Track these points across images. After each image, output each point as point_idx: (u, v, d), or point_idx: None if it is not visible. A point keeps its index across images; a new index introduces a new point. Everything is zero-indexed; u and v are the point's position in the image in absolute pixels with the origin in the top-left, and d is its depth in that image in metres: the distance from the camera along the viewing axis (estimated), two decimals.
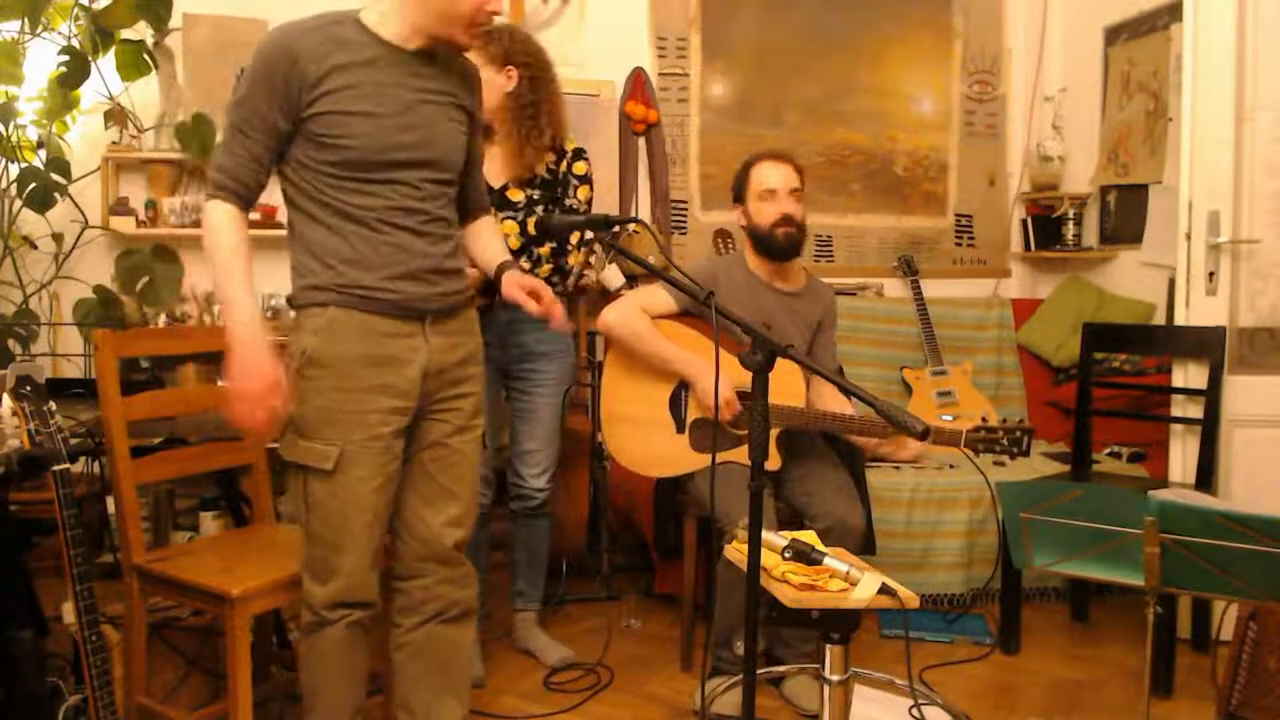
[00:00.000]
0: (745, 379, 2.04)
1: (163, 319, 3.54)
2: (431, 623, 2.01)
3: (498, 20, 2.34)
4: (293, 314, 1.92)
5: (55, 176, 3.30)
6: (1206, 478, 2.87)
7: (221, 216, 1.80)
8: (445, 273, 1.90)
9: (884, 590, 1.65)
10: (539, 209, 2.67)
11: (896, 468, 3.40)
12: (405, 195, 1.84)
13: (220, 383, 1.77)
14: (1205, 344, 2.95)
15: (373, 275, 1.82)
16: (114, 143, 3.56)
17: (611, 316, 2.69)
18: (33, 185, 3.26)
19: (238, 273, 1.79)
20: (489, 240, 2.12)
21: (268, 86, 1.76)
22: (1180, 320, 3.02)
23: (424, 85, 1.87)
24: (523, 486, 2.81)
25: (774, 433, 2.54)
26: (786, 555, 1.71)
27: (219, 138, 3.50)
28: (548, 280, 2.58)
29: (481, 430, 2.05)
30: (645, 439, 2.72)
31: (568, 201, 2.70)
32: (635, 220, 2.03)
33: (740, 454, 2.53)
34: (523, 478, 2.81)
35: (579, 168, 2.71)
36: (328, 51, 1.77)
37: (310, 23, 1.80)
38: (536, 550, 2.91)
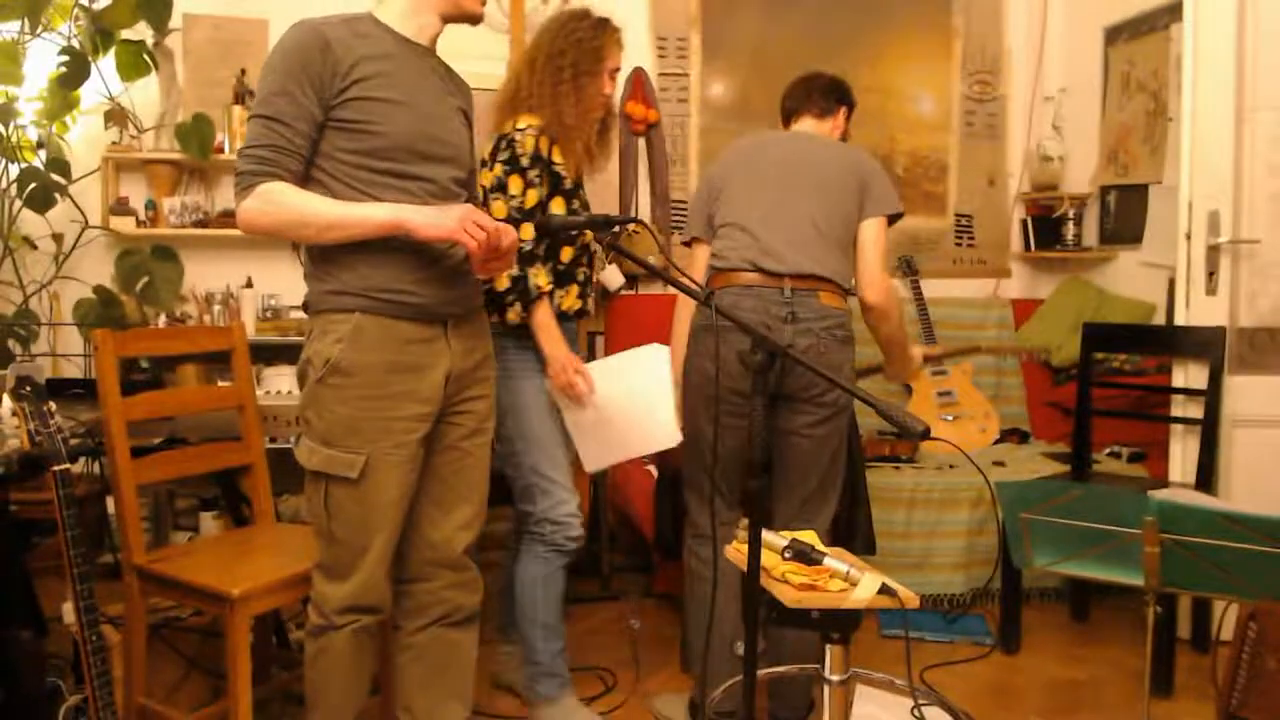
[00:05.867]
0: None
1: (163, 319, 3.55)
2: (436, 626, 2.01)
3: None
4: (302, 317, 1.89)
5: (55, 176, 3.30)
6: (1206, 478, 2.87)
7: (275, 185, 1.71)
8: (463, 275, 1.89)
9: (884, 590, 1.64)
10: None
11: (896, 468, 3.40)
12: (429, 193, 1.83)
13: (443, 235, 1.70)
14: (1205, 344, 2.95)
15: (396, 278, 1.80)
16: (114, 143, 3.56)
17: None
18: (33, 185, 3.26)
19: (332, 202, 1.74)
20: None
21: (302, 74, 1.71)
22: (1180, 320, 3.01)
23: (440, 84, 1.89)
24: (569, 528, 2.40)
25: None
26: (786, 555, 1.71)
27: (219, 137, 3.53)
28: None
29: (492, 434, 2.04)
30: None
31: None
32: (635, 220, 2.02)
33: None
34: (572, 511, 2.41)
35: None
36: (354, 43, 1.77)
37: (330, 18, 1.80)
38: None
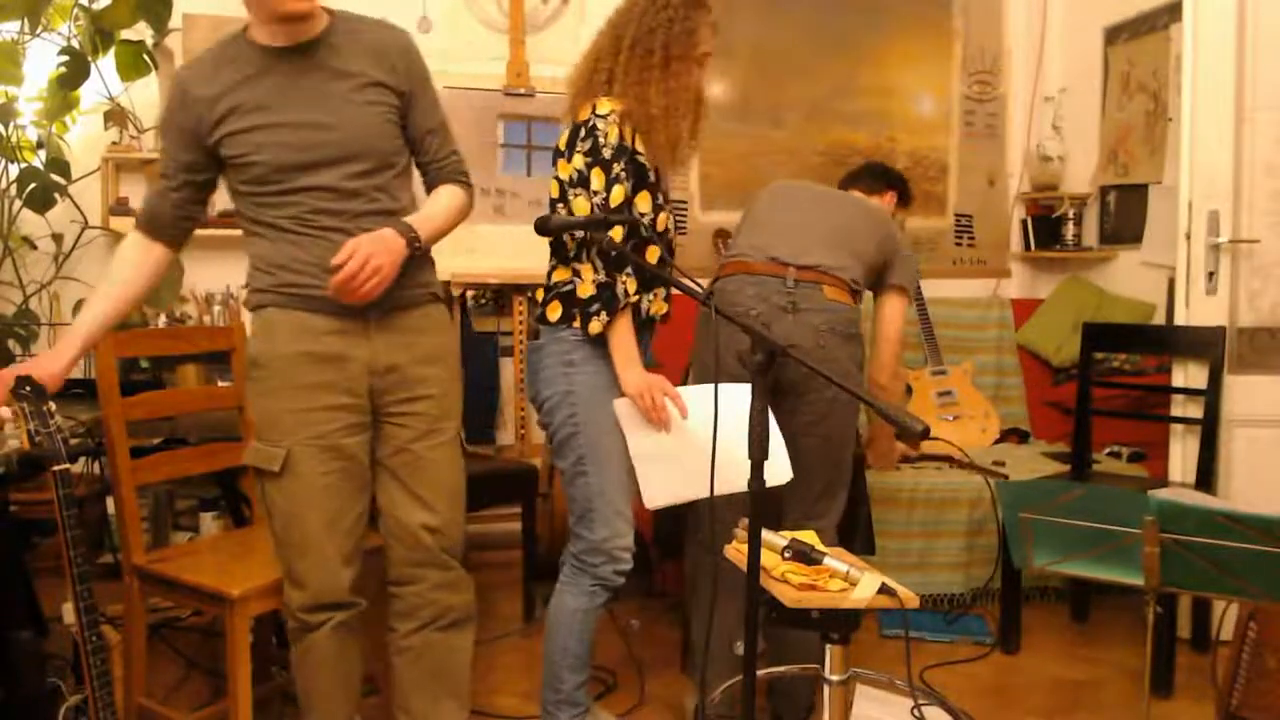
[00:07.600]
0: None
1: (163, 319, 3.55)
2: (428, 629, 2.00)
3: None
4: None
5: (55, 177, 3.31)
6: (1206, 478, 2.87)
7: (123, 242, 1.95)
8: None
9: (884, 590, 1.64)
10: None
11: (897, 467, 3.40)
12: (322, 198, 1.81)
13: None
14: (1205, 344, 2.95)
15: (304, 275, 1.82)
16: (114, 143, 3.56)
17: None
18: (33, 185, 3.26)
19: (94, 295, 1.91)
20: (427, 206, 1.96)
21: (170, 128, 1.87)
22: (1180, 320, 3.02)
23: (322, 76, 1.82)
24: (622, 562, 2.19)
25: None
26: (786, 555, 1.71)
27: None
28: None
29: (453, 434, 1.99)
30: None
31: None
32: (635, 220, 2.01)
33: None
34: (628, 544, 2.20)
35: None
36: (217, 77, 1.81)
37: (204, 54, 1.87)
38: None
